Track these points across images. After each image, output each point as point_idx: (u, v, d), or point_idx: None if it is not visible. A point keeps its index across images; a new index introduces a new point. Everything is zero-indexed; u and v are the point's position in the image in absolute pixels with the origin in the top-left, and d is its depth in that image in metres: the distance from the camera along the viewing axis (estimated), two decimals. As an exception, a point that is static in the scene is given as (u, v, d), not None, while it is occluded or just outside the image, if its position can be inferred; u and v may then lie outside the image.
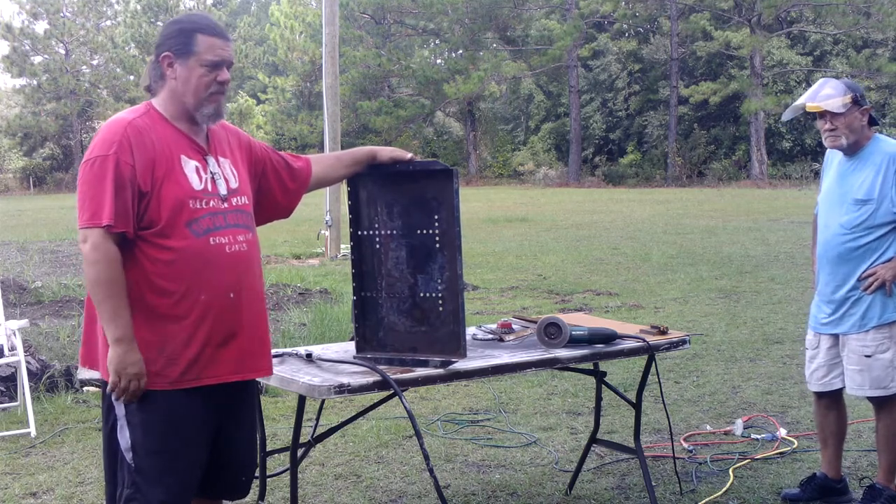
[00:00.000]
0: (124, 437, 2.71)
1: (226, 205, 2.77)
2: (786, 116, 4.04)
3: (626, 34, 43.91)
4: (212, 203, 2.73)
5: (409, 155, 3.32)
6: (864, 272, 3.76)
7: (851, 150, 3.82)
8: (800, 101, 3.87)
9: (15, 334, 5.57)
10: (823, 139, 3.86)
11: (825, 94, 3.79)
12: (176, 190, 2.66)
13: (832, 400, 4.03)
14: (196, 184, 2.71)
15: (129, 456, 2.70)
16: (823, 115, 3.78)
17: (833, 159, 3.96)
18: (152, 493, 2.68)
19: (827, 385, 3.96)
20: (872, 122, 3.85)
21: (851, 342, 3.82)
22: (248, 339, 2.79)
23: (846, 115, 3.75)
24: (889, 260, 3.74)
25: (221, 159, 2.82)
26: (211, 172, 2.76)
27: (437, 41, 47.89)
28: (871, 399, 3.91)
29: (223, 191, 2.77)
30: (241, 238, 2.78)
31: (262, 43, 47.40)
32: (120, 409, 2.71)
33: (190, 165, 2.72)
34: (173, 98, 2.74)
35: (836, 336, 3.90)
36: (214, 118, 2.79)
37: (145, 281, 2.66)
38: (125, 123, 2.66)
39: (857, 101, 3.75)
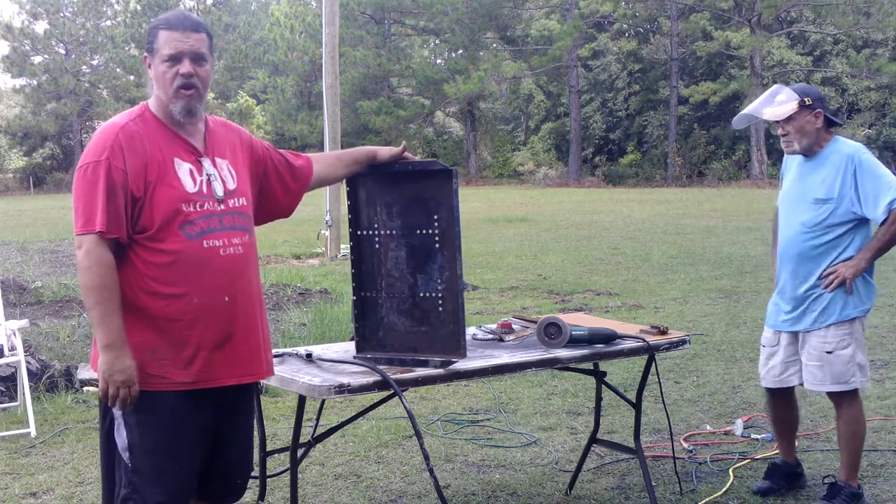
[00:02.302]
0: (121, 437, 2.71)
1: (222, 207, 2.75)
2: (737, 125, 4.12)
3: (626, 34, 43.92)
4: (206, 206, 2.71)
5: (403, 144, 3.33)
6: (824, 270, 3.84)
7: (809, 152, 3.92)
8: (749, 108, 3.98)
9: (15, 334, 5.57)
10: (781, 144, 3.99)
11: (776, 101, 3.90)
12: (169, 193, 2.65)
13: (784, 396, 4.13)
14: (190, 186, 2.69)
15: (126, 456, 2.70)
16: (777, 121, 3.90)
17: (792, 162, 4.06)
18: (150, 493, 2.67)
19: (783, 382, 4.04)
20: (832, 123, 3.94)
21: (812, 339, 3.89)
22: (243, 343, 2.78)
23: (796, 120, 3.85)
24: (849, 258, 3.82)
25: (219, 160, 2.80)
26: (206, 174, 2.74)
27: (437, 41, 47.91)
28: (830, 395, 3.95)
29: (219, 193, 2.75)
30: (237, 241, 2.76)
31: (262, 43, 47.41)
32: (117, 410, 2.71)
33: (184, 168, 2.70)
34: (158, 97, 2.74)
35: (795, 333, 3.97)
36: (187, 115, 2.73)
37: (139, 283, 2.65)
38: (117, 128, 2.66)
39: (805, 106, 3.85)
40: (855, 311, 3.85)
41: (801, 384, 4.00)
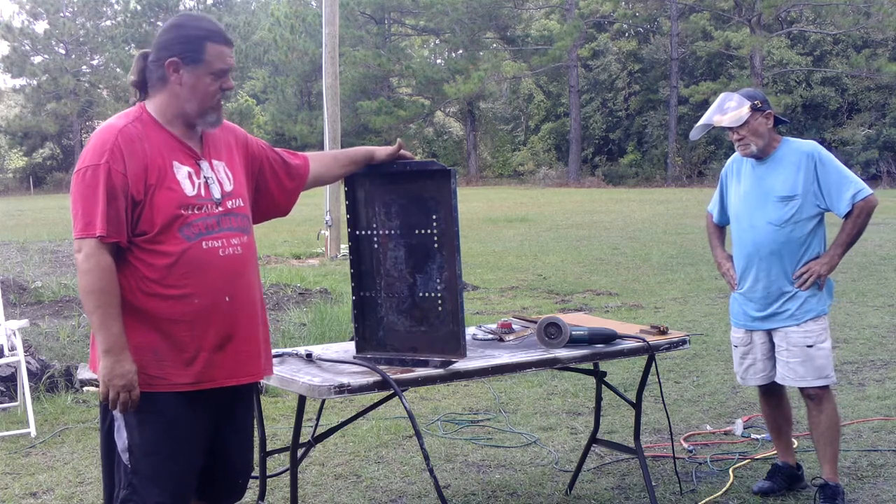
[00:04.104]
0: (121, 438, 2.70)
1: (220, 209, 2.74)
2: (694, 136, 4.18)
3: (626, 34, 43.90)
4: (205, 208, 2.71)
5: (398, 141, 3.33)
6: (797, 268, 3.91)
7: (763, 154, 3.99)
8: (705, 118, 4.05)
9: (15, 334, 5.57)
10: (736, 149, 4.04)
11: (727, 107, 3.98)
12: (169, 197, 2.64)
13: (777, 392, 4.17)
14: (189, 190, 2.68)
15: (125, 457, 2.69)
16: (731, 127, 3.96)
17: (741, 166, 4.11)
18: (149, 494, 2.67)
19: (768, 378, 4.08)
20: (778, 122, 4.03)
21: (791, 335, 3.93)
22: (243, 343, 2.78)
23: (749, 123, 3.92)
24: (817, 256, 3.92)
25: (216, 162, 2.79)
26: (204, 177, 2.73)
27: (437, 41, 47.89)
28: (809, 390, 3.96)
29: (217, 195, 2.75)
30: (235, 241, 2.76)
31: (262, 43, 47.41)
32: (118, 412, 2.71)
33: (182, 171, 2.69)
34: (174, 103, 2.71)
35: (769, 331, 4.02)
36: (216, 124, 2.78)
37: (140, 286, 2.65)
38: (116, 131, 2.63)
39: (756, 109, 3.92)
40: (827, 306, 3.97)
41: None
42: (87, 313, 2.62)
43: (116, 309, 2.60)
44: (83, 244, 2.58)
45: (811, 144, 3.98)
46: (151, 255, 2.64)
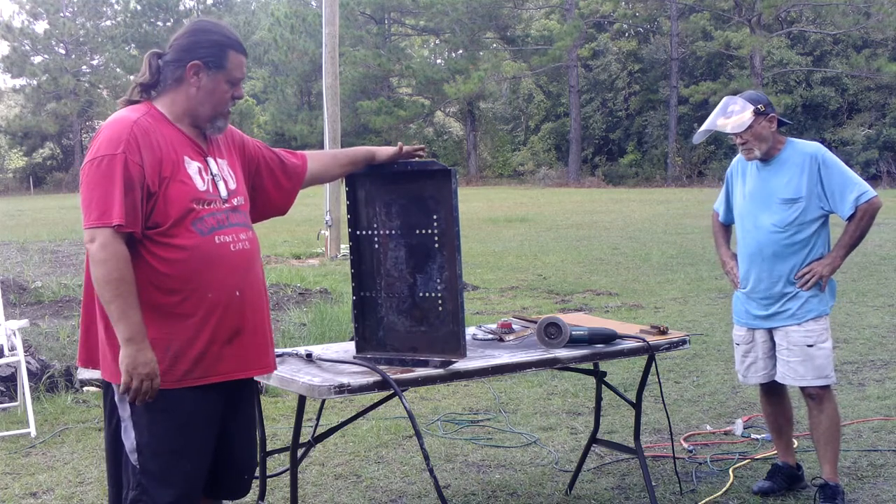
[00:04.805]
0: (129, 439, 2.70)
1: (227, 205, 2.78)
2: (697, 140, 4.21)
3: (626, 34, 43.89)
4: (214, 204, 2.74)
5: (400, 144, 3.34)
6: (799, 269, 3.92)
7: (767, 156, 3.99)
8: (708, 123, 4.05)
9: (15, 334, 5.57)
10: (740, 153, 4.06)
11: (730, 111, 3.98)
12: (182, 190, 2.66)
13: (778, 391, 4.17)
14: (200, 185, 2.71)
15: (133, 457, 2.69)
16: (734, 132, 3.96)
17: (746, 167, 4.13)
18: (159, 494, 2.67)
19: (769, 376, 4.09)
20: (781, 123, 4.04)
21: (792, 334, 3.94)
22: (251, 336, 2.79)
23: (753, 127, 3.92)
24: (820, 256, 3.93)
25: (219, 161, 2.83)
26: (212, 174, 2.77)
27: (437, 41, 47.90)
28: (810, 390, 3.97)
29: (224, 192, 2.78)
30: (244, 236, 2.79)
31: (262, 43, 47.41)
32: (125, 411, 2.70)
33: (193, 167, 2.72)
34: (186, 103, 2.74)
35: (770, 330, 4.03)
36: (222, 130, 2.83)
37: (151, 279, 2.65)
38: (131, 122, 2.65)
39: (759, 113, 3.92)
40: (828, 306, 3.98)
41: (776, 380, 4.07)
42: (105, 304, 2.60)
43: (135, 298, 2.59)
44: (98, 233, 2.57)
45: (815, 146, 3.97)
46: (165, 249, 2.65)
